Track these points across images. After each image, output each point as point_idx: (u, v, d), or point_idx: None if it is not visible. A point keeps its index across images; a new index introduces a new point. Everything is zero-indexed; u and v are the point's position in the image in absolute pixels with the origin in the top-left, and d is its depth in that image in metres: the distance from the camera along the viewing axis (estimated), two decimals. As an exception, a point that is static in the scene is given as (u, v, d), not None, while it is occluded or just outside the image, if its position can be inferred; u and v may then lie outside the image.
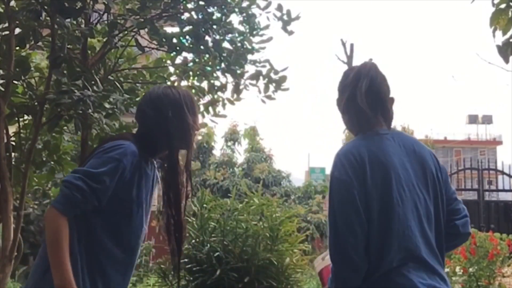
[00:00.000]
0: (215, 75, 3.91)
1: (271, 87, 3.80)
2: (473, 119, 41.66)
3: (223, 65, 3.64)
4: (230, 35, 3.58)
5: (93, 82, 3.09)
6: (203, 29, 3.36)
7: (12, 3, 3.08)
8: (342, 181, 1.55)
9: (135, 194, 1.73)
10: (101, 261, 1.72)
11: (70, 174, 1.67)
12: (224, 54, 3.54)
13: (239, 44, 3.60)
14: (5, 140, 3.15)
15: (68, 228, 1.63)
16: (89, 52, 3.45)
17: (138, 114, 1.87)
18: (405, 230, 1.55)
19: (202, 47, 3.45)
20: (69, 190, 1.61)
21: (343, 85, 1.73)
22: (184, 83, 4.00)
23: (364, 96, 1.64)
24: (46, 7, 2.93)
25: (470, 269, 6.33)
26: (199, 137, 17.61)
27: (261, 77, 3.78)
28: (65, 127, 3.71)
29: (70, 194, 1.61)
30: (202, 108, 4.04)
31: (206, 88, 3.98)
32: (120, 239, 1.72)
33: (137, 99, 3.65)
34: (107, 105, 3.01)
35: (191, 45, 3.48)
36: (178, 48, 3.50)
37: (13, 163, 3.29)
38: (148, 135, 1.80)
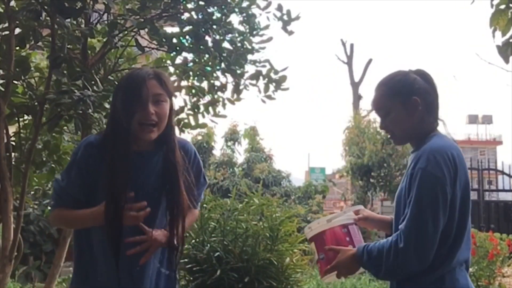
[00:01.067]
0: (215, 75, 3.91)
1: (271, 87, 3.80)
2: (473, 119, 41.65)
3: (223, 65, 3.64)
4: (230, 35, 3.58)
5: (93, 82, 3.09)
6: (203, 29, 3.36)
7: (12, 3, 3.09)
8: (437, 177, 1.61)
9: (114, 185, 1.67)
10: (96, 259, 1.75)
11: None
12: (224, 54, 3.54)
13: (239, 44, 3.60)
14: (5, 140, 3.16)
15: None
16: (89, 52, 3.45)
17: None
18: (469, 235, 1.70)
19: (202, 47, 3.45)
20: (52, 191, 1.89)
21: (426, 84, 1.81)
22: (184, 83, 4.00)
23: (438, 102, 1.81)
24: (46, 7, 2.93)
25: (470, 269, 6.33)
26: (199, 137, 17.61)
27: (261, 77, 3.78)
28: (65, 127, 3.71)
29: (52, 193, 1.87)
30: (202, 108, 4.05)
31: (206, 88, 3.98)
32: (114, 233, 1.70)
33: (137, 99, 3.65)
34: (107, 105, 3.01)
35: (191, 45, 3.49)
36: (178, 48, 3.51)
37: (13, 163, 3.30)
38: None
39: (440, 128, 1.84)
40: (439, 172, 1.61)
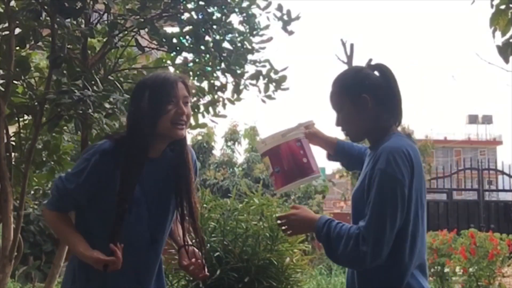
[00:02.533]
0: (215, 75, 3.91)
1: (271, 87, 3.80)
2: (473, 119, 41.64)
3: (223, 65, 3.64)
4: (230, 35, 3.58)
5: (93, 82, 3.09)
6: (203, 29, 3.36)
7: (12, 3, 3.09)
8: (397, 179, 1.62)
9: (124, 191, 1.70)
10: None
11: (59, 175, 1.85)
12: (224, 54, 3.54)
13: (239, 44, 3.60)
14: (5, 140, 3.16)
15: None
16: (89, 52, 3.45)
17: None
18: (424, 238, 1.75)
19: (202, 47, 3.45)
20: (52, 190, 1.79)
21: (380, 80, 1.80)
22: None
23: (399, 97, 1.80)
24: (46, 7, 2.93)
25: (470, 269, 6.34)
26: (199, 137, 17.60)
27: (261, 77, 3.78)
28: (65, 127, 3.71)
29: (51, 193, 1.79)
30: (202, 108, 4.05)
31: (206, 88, 3.98)
32: (116, 237, 1.71)
33: (137, 99, 3.65)
34: (107, 105, 3.01)
35: (191, 45, 3.49)
36: (178, 48, 3.51)
37: (13, 163, 3.30)
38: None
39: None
40: (398, 174, 1.62)
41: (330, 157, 2.12)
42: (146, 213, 1.78)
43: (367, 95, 1.76)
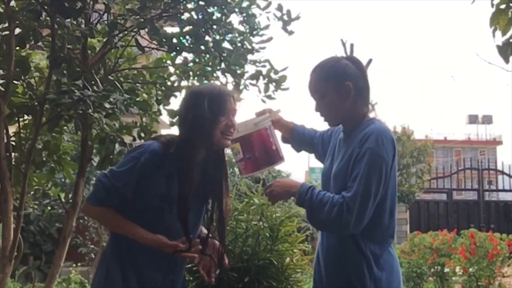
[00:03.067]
0: (215, 75, 3.90)
1: (271, 87, 3.80)
2: (473, 119, 41.65)
3: (223, 65, 3.63)
4: (230, 35, 3.58)
5: (93, 82, 3.09)
6: (203, 29, 3.36)
7: (12, 3, 3.08)
8: (383, 158, 1.77)
9: (164, 192, 1.81)
10: (136, 257, 1.81)
11: (101, 172, 1.91)
12: (224, 54, 3.54)
13: (239, 44, 3.60)
14: (5, 140, 3.15)
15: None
16: (89, 52, 3.45)
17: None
18: (395, 213, 1.90)
19: (202, 47, 3.45)
20: (96, 186, 1.81)
21: (357, 71, 1.92)
22: (184, 83, 4.00)
23: (369, 88, 1.94)
24: (46, 7, 2.93)
25: (470, 269, 6.34)
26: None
27: (261, 77, 3.78)
28: (65, 127, 3.70)
29: (96, 189, 1.81)
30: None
31: (206, 88, 3.98)
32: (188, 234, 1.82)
33: (137, 99, 3.65)
34: (107, 105, 3.01)
35: (191, 45, 3.48)
36: (178, 48, 3.50)
37: (13, 163, 3.29)
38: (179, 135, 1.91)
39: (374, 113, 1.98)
40: (384, 153, 1.78)
41: (284, 140, 2.31)
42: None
43: (350, 83, 1.88)
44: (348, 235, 1.82)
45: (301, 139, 2.28)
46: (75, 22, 3.27)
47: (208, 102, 1.82)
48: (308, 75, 1.99)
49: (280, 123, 2.25)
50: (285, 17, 3.53)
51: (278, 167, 18.47)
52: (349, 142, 1.89)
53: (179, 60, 3.94)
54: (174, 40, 3.46)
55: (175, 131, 3.22)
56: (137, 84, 3.84)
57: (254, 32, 3.62)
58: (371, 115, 1.98)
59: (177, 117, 1.92)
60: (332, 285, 1.90)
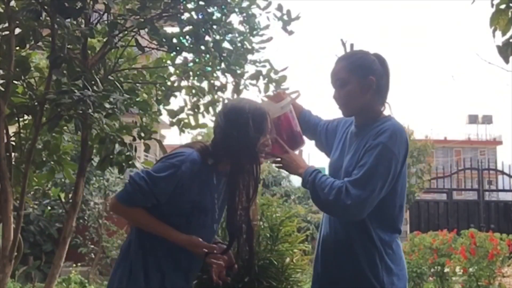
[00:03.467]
0: (215, 75, 3.91)
1: (271, 87, 3.80)
2: (473, 119, 41.65)
3: (223, 65, 3.63)
4: (230, 35, 3.58)
5: (93, 82, 3.09)
6: (203, 29, 3.36)
7: (12, 3, 3.08)
8: (394, 154, 1.80)
9: (196, 200, 1.84)
10: (159, 257, 1.83)
11: (136, 173, 1.86)
12: (224, 54, 3.54)
13: (239, 44, 3.60)
14: (5, 140, 3.15)
15: (135, 229, 1.88)
16: (89, 52, 3.45)
17: (214, 124, 2.00)
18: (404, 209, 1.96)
19: (202, 47, 3.45)
20: (131, 187, 1.81)
21: (381, 68, 1.95)
22: (184, 83, 4.00)
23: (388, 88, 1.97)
24: (46, 7, 2.93)
25: (470, 269, 6.34)
26: (199, 137, 17.62)
27: (261, 77, 3.78)
28: (65, 127, 3.70)
29: (131, 191, 1.81)
30: (202, 108, 4.04)
31: (206, 88, 3.98)
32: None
33: (137, 99, 3.65)
34: (107, 105, 3.01)
35: (191, 45, 3.48)
36: (178, 48, 3.50)
37: (13, 163, 3.29)
38: (214, 146, 1.92)
39: (387, 112, 2.00)
40: (396, 150, 1.81)
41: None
42: (210, 221, 1.93)
43: (373, 78, 1.90)
44: (357, 226, 1.85)
45: (306, 124, 2.30)
46: (75, 22, 3.27)
47: (252, 121, 1.85)
48: (334, 64, 2.03)
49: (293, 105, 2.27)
50: (285, 17, 3.53)
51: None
52: (362, 136, 1.91)
53: (179, 60, 3.94)
54: (174, 40, 3.45)
55: (175, 131, 3.20)
56: (137, 84, 3.84)
57: (254, 32, 3.62)
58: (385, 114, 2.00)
59: (219, 131, 1.91)
60: (340, 275, 1.90)
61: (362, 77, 1.90)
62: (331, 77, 2.00)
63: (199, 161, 1.85)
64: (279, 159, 2.02)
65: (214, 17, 3.43)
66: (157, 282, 1.82)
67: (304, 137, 2.17)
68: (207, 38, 3.40)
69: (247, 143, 1.84)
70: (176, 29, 3.60)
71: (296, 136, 2.10)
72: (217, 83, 3.96)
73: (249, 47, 3.63)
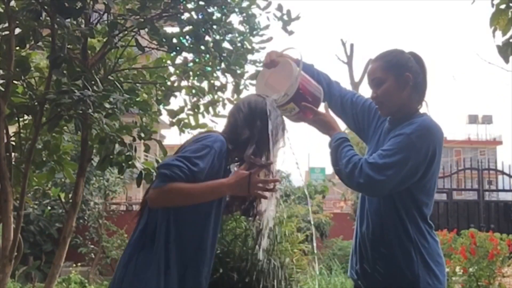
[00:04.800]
0: (215, 75, 3.90)
1: (271, 87, 3.80)
2: (473, 119, 41.66)
3: (223, 65, 3.63)
4: (230, 35, 3.57)
5: (93, 82, 3.09)
6: (203, 29, 3.36)
7: (12, 3, 3.08)
8: (415, 145, 1.80)
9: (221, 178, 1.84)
10: (182, 254, 1.81)
11: (166, 159, 1.82)
12: (224, 54, 3.53)
13: (239, 44, 3.59)
14: (5, 140, 3.15)
15: (160, 219, 1.79)
16: (89, 52, 3.45)
17: (234, 112, 1.99)
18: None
19: (202, 47, 3.45)
20: (168, 170, 1.72)
21: (418, 66, 1.97)
22: (184, 83, 4.00)
23: (426, 86, 1.99)
24: (46, 7, 2.93)
25: (470, 269, 6.33)
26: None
27: (261, 77, 3.77)
28: (65, 127, 3.70)
29: (168, 173, 1.72)
30: (202, 108, 4.04)
31: (206, 88, 3.98)
32: (200, 232, 1.85)
33: (137, 99, 3.65)
34: (107, 105, 3.01)
35: (191, 45, 3.48)
36: (178, 48, 3.50)
37: (13, 163, 3.29)
38: (234, 134, 1.92)
39: (423, 109, 2.00)
40: (419, 143, 1.80)
41: None
42: (221, 207, 1.93)
43: (410, 75, 1.92)
44: (392, 218, 1.87)
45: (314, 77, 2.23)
46: (75, 22, 3.27)
47: (264, 122, 1.90)
48: (371, 62, 2.03)
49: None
50: (285, 17, 3.53)
51: (277, 167, 18.45)
52: (394, 132, 1.91)
53: (179, 60, 3.94)
54: (174, 40, 3.46)
55: (175, 131, 3.20)
56: (137, 84, 3.84)
57: (254, 32, 3.62)
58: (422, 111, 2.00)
59: (242, 119, 1.94)
60: (376, 267, 1.91)
61: (399, 75, 1.92)
62: (367, 77, 2.00)
63: (225, 143, 1.87)
64: (318, 114, 2.02)
65: (214, 17, 3.43)
66: (176, 277, 1.79)
67: (318, 84, 2.13)
68: (207, 38, 3.40)
69: (258, 140, 1.88)
70: (176, 29, 3.60)
71: (317, 91, 2.08)
72: (217, 83, 3.96)
73: (249, 47, 3.63)
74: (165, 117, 4.27)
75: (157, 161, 3.84)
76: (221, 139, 1.85)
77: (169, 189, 1.72)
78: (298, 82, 1.99)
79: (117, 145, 3.27)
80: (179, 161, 1.74)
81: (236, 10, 3.54)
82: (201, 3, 3.41)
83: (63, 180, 7.54)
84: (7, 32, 3.06)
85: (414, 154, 1.78)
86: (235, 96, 3.92)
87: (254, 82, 3.82)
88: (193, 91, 3.96)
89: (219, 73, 3.85)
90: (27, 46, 3.25)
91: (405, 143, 1.79)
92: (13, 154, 3.37)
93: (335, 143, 1.91)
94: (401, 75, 1.91)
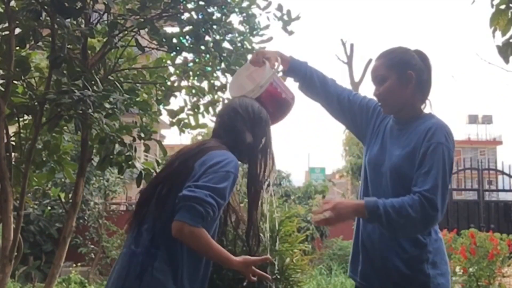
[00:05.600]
0: (215, 75, 3.90)
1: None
2: (473, 119, 41.65)
3: (223, 65, 3.63)
4: (230, 35, 3.57)
5: (93, 82, 3.09)
6: (203, 29, 3.36)
7: (12, 3, 3.08)
8: (452, 152, 1.82)
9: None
10: (199, 270, 1.83)
11: (198, 191, 1.68)
12: (224, 54, 3.53)
13: (239, 44, 3.59)
14: (5, 140, 3.15)
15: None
16: (89, 52, 3.45)
17: (230, 114, 1.94)
18: None
19: (202, 47, 3.45)
20: (203, 208, 1.66)
21: (422, 64, 1.96)
22: (184, 83, 4.00)
23: (431, 84, 1.98)
24: (46, 7, 2.93)
25: (470, 269, 6.32)
26: (199, 137, 17.62)
27: (261, 77, 3.77)
28: (65, 127, 3.70)
29: (203, 212, 1.66)
30: (202, 108, 4.04)
31: (206, 88, 3.98)
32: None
33: (137, 99, 3.65)
34: (107, 105, 3.01)
35: (191, 45, 3.48)
36: (178, 48, 3.50)
37: (13, 163, 3.29)
38: (234, 139, 1.90)
39: (427, 109, 2.00)
40: (452, 147, 1.83)
41: (285, 73, 2.23)
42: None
43: (413, 73, 1.91)
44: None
45: (302, 76, 2.19)
46: (75, 22, 3.27)
47: (269, 132, 1.96)
48: (374, 60, 2.02)
49: (283, 59, 2.18)
50: (285, 17, 3.53)
51: (278, 167, 18.42)
52: (407, 134, 1.90)
53: (179, 60, 3.94)
54: (174, 40, 3.46)
55: (175, 131, 3.19)
56: (137, 84, 3.84)
57: (254, 32, 3.62)
58: (426, 111, 1.99)
59: (241, 130, 1.92)
60: (385, 268, 1.91)
61: (401, 72, 1.91)
62: (371, 75, 2.00)
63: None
64: (332, 210, 1.85)
65: (214, 17, 3.43)
66: (192, 282, 1.79)
67: (292, 94, 2.11)
68: (207, 38, 3.40)
69: (268, 141, 1.92)
70: (176, 29, 3.60)
71: (282, 103, 2.07)
72: (217, 83, 3.96)
73: (249, 47, 3.63)
74: (165, 117, 4.27)
75: (157, 161, 3.84)
76: (236, 162, 1.81)
77: (200, 235, 1.67)
78: (263, 91, 2.01)
79: (117, 145, 3.27)
80: (212, 199, 1.68)
81: (236, 10, 3.54)
82: (201, 3, 3.41)
83: (63, 180, 7.54)
84: (7, 32, 3.06)
85: (452, 156, 1.83)
86: (235, 96, 3.91)
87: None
88: (193, 91, 3.97)
89: (219, 73, 3.85)
90: (27, 46, 3.25)
91: (445, 152, 1.80)
92: (13, 154, 3.37)
93: (379, 211, 1.76)
94: (403, 73, 1.91)
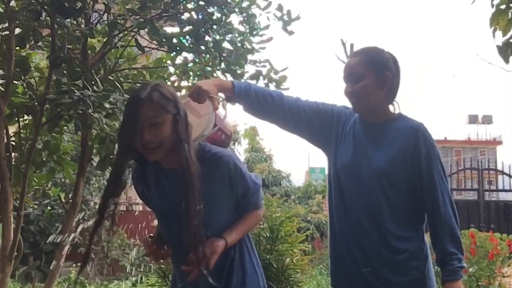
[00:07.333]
0: (215, 75, 3.90)
1: (271, 87, 3.80)
2: (473, 119, 41.67)
3: (223, 65, 3.63)
4: (230, 35, 3.58)
5: (93, 82, 3.09)
6: (203, 29, 3.36)
7: (12, 3, 3.08)
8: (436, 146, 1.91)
9: (154, 202, 1.87)
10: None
11: (254, 176, 1.88)
12: (224, 54, 3.54)
13: (239, 44, 3.60)
14: (5, 140, 3.15)
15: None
16: (89, 52, 3.45)
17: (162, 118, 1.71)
18: None
19: (202, 47, 3.45)
20: (259, 191, 1.90)
21: (395, 67, 1.97)
22: (184, 83, 4.00)
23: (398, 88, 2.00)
24: (46, 7, 2.93)
25: (470, 269, 6.32)
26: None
27: (261, 77, 3.78)
28: (65, 127, 3.70)
29: (259, 190, 1.91)
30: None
31: (206, 88, 3.97)
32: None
33: (137, 99, 3.64)
34: (107, 105, 3.01)
35: (191, 45, 3.48)
36: (178, 48, 3.50)
37: (13, 163, 3.29)
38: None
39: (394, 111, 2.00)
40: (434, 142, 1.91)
41: (229, 99, 1.99)
42: (176, 224, 1.74)
43: (389, 74, 1.91)
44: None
45: (248, 99, 1.98)
46: (75, 22, 3.27)
47: (123, 120, 1.74)
48: (350, 57, 2.02)
49: (219, 89, 1.94)
50: (285, 17, 3.53)
51: (278, 167, 18.36)
52: (388, 135, 1.89)
53: (179, 60, 3.95)
54: (174, 40, 3.46)
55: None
56: (137, 84, 3.84)
57: (254, 32, 3.62)
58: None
59: (174, 122, 1.69)
60: (383, 267, 1.90)
61: (379, 73, 1.89)
62: (344, 71, 1.94)
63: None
64: None
65: (214, 17, 3.43)
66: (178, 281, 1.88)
67: (230, 133, 1.97)
68: (207, 38, 3.40)
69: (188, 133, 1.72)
70: (176, 29, 3.60)
71: (220, 144, 1.92)
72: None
73: (249, 47, 3.63)
74: (165, 117, 4.25)
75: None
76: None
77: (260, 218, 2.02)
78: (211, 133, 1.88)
79: (117, 145, 3.27)
80: (257, 182, 1.88)
81: (236, 10, 3.54)
82: (201, 3, 3.41)
83: (63, 180, 7.54)
84: (7, 32, 3.06)
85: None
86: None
87: (254, 82, 3.82)
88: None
89: (219, 73, 3.85)
90: (27, 46, 3.26)
91: (436, 152, 1.89)
92: (13, 154, 3.37)
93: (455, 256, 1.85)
94: (381, 73, 1.89)
